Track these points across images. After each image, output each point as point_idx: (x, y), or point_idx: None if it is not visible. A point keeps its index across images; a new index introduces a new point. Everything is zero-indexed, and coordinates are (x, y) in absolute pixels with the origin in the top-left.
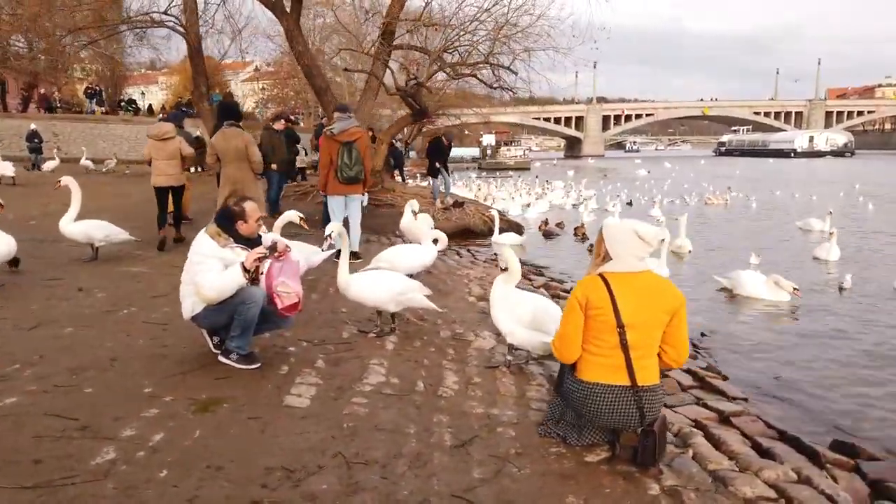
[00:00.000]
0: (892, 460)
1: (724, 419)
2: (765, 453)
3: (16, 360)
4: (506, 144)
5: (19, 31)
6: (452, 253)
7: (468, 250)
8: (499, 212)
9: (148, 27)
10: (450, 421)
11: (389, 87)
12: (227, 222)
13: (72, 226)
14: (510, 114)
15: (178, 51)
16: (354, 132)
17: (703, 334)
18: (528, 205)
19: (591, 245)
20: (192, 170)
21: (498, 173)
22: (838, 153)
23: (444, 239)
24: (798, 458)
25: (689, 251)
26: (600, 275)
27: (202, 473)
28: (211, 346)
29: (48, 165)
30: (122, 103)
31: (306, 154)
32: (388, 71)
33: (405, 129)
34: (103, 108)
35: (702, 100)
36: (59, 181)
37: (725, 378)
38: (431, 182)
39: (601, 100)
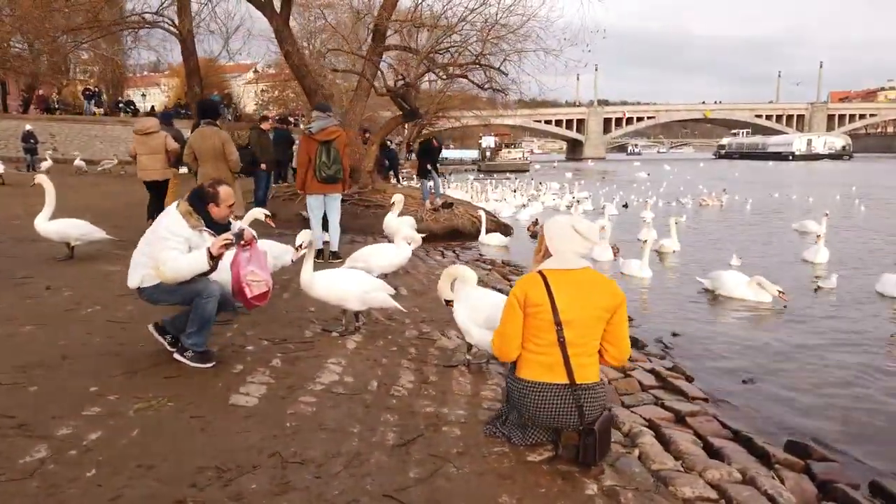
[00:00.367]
0: (846, 462)
1: (680, 419)
2: (714, 454)
3: None
4: (506, 146)
5: (18, 32)
6: (437, 253)
7: (453, 251)
8: (486, 212)
9: (141, 27)
10: (397, 420)
11: (379, 88)
12: (199, 203)
13: (46, 224)
14: (512, 116)
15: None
16: (333, 131)
17: (674, 334)
18: (523, 206)
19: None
20: (186, 169)
21: (495, 175)
22: (836, 156)
23: (417, 239)
24: (747, 459)
25: (675, 251)
26: (540, 272)
27: (131, 472)
28: (166, 345)
29: (44, 165)
30: (121, 104)
31: None
32: (378, 72)
33: (406, 132)
34: (102, 110)
35: (703, 102)
36: (35, 179)
37: (690, 378)
38: (422, 183)
39: (603, 102)
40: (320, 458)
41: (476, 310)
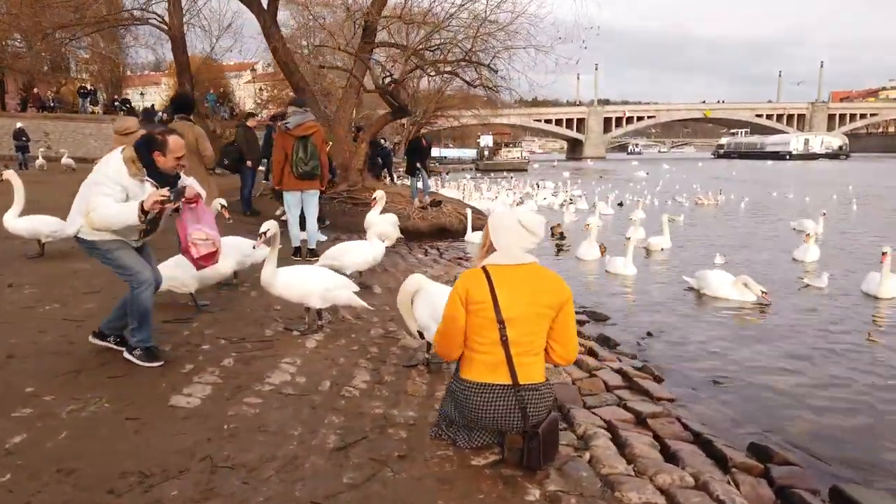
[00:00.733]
0: (810, 466)
1: (641, 421)
2: (670, 457)
3: None
4: (506, 146)
5: (15, 30)
6: (420, 251)
7: (437, 249)
8: (473, 210)
9: (130, 24)
10: (342, 422)
11: (368, 86)
12: (144, 149)
13: (15, 221)
14: (511, 115)
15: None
16: (310, 126)
17: (649, 333)
18: (517, 204)
19: (559, 243)
20: None
21: (493, 174)
22: (833, 156)
23: (392, 236)
24: (703, 462)
25: (663, 248)
26: (483, 267)
27: (49, 478)
28: (114, 346)
29: (37, 163)
30: (116, 103)
31: None
32: (367, 69)
33: (405, 130)
34: (99, 108)
35: (704, 102)
36: (2, 175)
37: (659, 379)
38: (411, 181)
39: (603, 102)
40: (253, 463)
41: (435, 307)
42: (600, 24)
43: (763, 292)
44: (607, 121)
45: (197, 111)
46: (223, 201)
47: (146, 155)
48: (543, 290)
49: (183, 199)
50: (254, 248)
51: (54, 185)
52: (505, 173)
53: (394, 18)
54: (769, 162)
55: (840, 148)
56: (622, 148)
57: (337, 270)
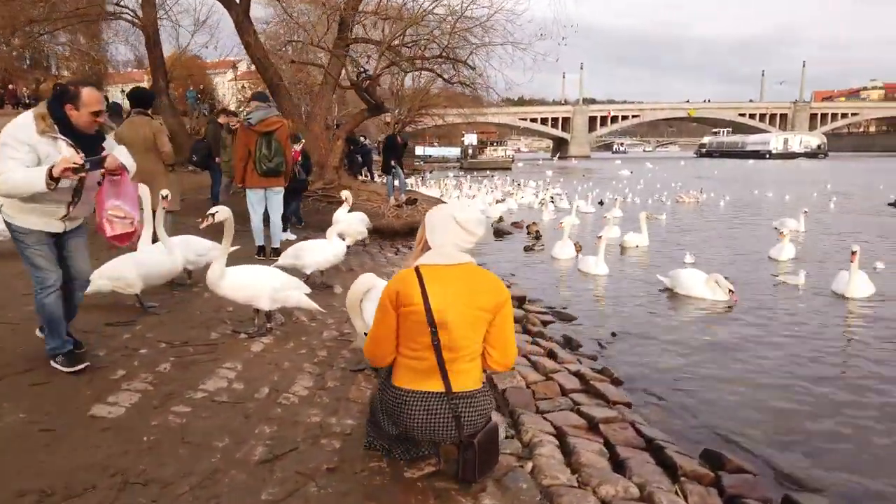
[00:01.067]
0: (764, 473)
1: (593, 426)
2: (619, 465)
3: None
4: (491, 144)
5: None
6: (392, 250)
7: (410, 248)
8: None
9: (102, 19)
10: (274, 432)
11: (343, 82)
12: (56, 103)
13: None
14: (497, 114)
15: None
16: (273, 122)
17: (613, 334)
18: (497, 202)
19: (529, 243)
20: None
21: (475, 173)
22: (811, 155)
23: (354, 234)
24: (652, 471)
25: (638, 246)
26: (416, 267)
27: None
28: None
29: None
30: None
31: None
32: (343, 65)
33: (390, 129)
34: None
35: (688, 101)
36: None
37: (618, 381)
38: (387, 179)
39: (589, 101)
40: (169, 478)
41: None
42: (585, 22)
43: (731, 291)
44: (592, 120)
45: (174, 108)
46: (166, 192)
47: (57, 109)
48: (479, 291)
49: (104, 170)
50: (200, 227)
51: None
52: (489, 172)
53: (369, 14)
54: (750, 161)
55: (818, 147)
56: (608, 147)
57: (298, 270)
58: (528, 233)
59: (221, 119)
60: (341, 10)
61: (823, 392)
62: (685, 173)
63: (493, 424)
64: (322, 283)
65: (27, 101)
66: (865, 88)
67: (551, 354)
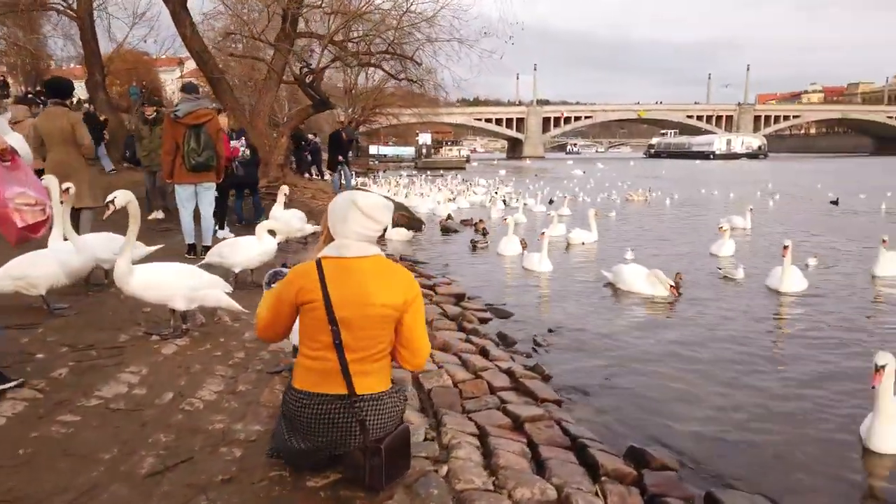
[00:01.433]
0: (688, 470)
1: (518, 426)
2: (539, 466)
3: None
4: (446, 144)
5: None
6: None
7: None
8: (395, 205)
9: (31, 9)
10: (171, 441)
11: (287, 77)
12: None
13: None
14: (452, 114)
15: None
16: (202, 114)
17: (550, 330)
18: (449, 201)
19: (475, 239)
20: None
21: (430, 172)
22: (753, 155)
23: (283, 230)
24: (573, 471)
25: (583, 243)
26: (318, 260)
27: None
28: None
29: None
30: (30, 95)
31: None
32: (287, 60)
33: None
34: (10, 100)
35: (638, 103)
36: None
37: (547, 378)
38: (333, 177)
39: (543, 102)
40: (40, 495)
41: None
42: (538, 24)
43: (672, 286)
44: (546, 121)
45: (111, 104)
46: (69, 185)
47: None
48: (386, 286)
49: None
50: (104, 217)
51: None
52: (442, 171)
53: (314, 8)
54: (696, 161)
55: (759, 148)
56: (562, 147)
57: (226, 269)
58: (476, 230)
59: (147, 111)
60: (284, 4)
61: (753, 386)
62: (634, 173)
63: (404, 427)
64: (252, 282)
65: None
66: (806, 92)
67: (483, 352)
